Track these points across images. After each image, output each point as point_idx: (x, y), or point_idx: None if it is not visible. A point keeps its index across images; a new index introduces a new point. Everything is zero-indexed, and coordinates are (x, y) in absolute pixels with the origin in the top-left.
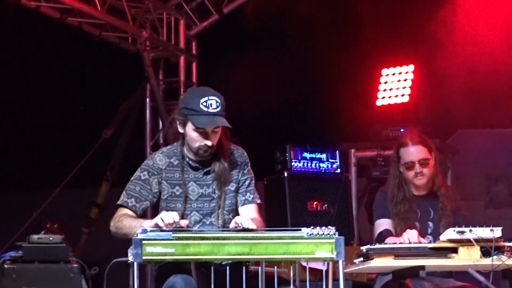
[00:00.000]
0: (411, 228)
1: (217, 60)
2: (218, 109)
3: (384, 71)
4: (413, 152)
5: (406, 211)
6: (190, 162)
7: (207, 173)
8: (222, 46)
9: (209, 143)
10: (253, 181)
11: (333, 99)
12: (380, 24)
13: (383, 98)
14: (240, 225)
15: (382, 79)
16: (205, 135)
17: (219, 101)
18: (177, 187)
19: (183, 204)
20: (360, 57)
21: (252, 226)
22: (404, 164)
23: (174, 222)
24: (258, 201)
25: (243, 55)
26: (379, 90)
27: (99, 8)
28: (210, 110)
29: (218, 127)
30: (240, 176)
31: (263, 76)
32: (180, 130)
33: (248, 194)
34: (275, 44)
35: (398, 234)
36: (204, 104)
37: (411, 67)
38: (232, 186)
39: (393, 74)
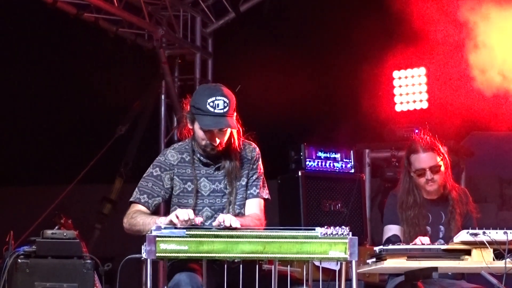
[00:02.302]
0: (421, 234)
1: (233, 58)
2: (226, 109)
3: (396, 74)
4: (424, 159)
5: (416, 216)
6: (201, 158)
7: (218, 169)
8: (238, 44)
9: (214, 142)
10: (262, 176)
11: (348, 99)
12: (392, 26)
13: (401, 103)
14: (222, 223)
15: (395, 82)
16: (211, 135)
17: (227, 101)
18: (189, 183)
19: (195, 200)
20: (373, 58)
21: (236, 224)
22: (415, 171)
23: (189, 219)
24: (265, 196)
25: (259, 53)
26: (395, 95)
27: (116, 4)
28: (216, 111)
29: (223, 128)
30: (249, 171)
31: (279, 75)
32: (189, 126)
33: (254, 188)
34: (291, 44)
35: (407, 240)
36: (211, 104)
37: (422, 70)
38: (243, 181)
39: (406, 77)
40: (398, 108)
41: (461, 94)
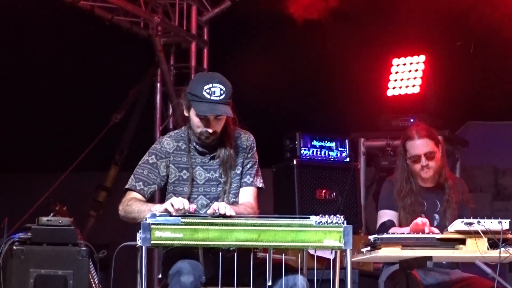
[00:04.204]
0: None
1: (229, 47)
2: (222, 96)
3: (395, 61)
4: (419, 145)
5: (412, 204)
6: (197, 146)
7: (213, 158)
8: (234, 32)
9: (210, 130)
10: (256, 165)
11: (343, 88)
12: (392, 13)
13: (394, 88)
14: (217, 211)
15: (393, 69)
16: (207, 122)
17: (224, 88)
18: (184, 171)
19: (190, 188)
20: (372, 46)
21: (231, 212)
22: (411, 157)
23: (184, 208)
24: (259, 185)
25: (254, 42)
26: (389, 80)
27: None
28: (212, 98)
29: (220, 115)
30: (244, 159)
31: (274, 63)
32: (185, 113)
33: (248, 177)
34: (286, 31)
35: (403, 226)
36: (208, 91)
37: (422, 58)
38: (238, 170)
39: (404, 64)
40: (389, 92)
41: (457, 83)
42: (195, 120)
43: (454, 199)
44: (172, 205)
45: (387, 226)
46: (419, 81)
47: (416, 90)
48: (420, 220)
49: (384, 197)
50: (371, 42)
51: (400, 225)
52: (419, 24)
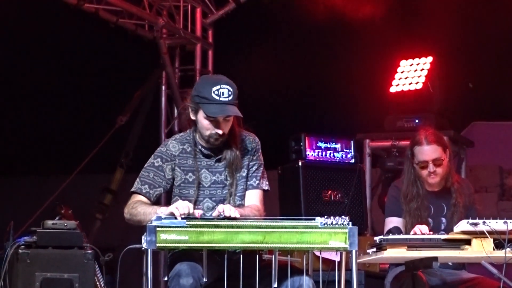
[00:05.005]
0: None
1: (233, 49)
2: (230, 98)
3: (403, 63)
4: (427, 151)
5: (418, 208)
6: (202, 149)
7: (219, 160)
8: (238, 34)
9: (220, 131)
10: (262, 167)
11: (348, 89)
12: (400, 15)
13: (397, 85)
14: (222, 213)
15: (399, 69)
16: (216, 123)
17: (231, 89)
18: (190, 174)
19: (196, 191)
20: (379, 49)
21: (236, 214)
22: (418, 163)
23: (189, 212)
24: (265, 188)
25: (259, 44)
26: (394, 79)
27: None
28: (221, 99)
29: (229, 116)
30: (249, 162)
31: (279, 65)
32: (192, 117)
33: (253, 179)
34: (291, 33)
35: (408, 231)
36: (216, 92)
37: (429, 59)
38: (243, 172)
39: (411, 65)
40: (392, 89)
41: (463, 83)
42: (204, 122)
43: (461, 203)
44: (177, 209)
45: (393, 234)
46: (422, 79)
47: (419, 86)
48: (418, 229)
49: (390, 204)
50: (379, 45)
51: (406, 231)
52: (428, 26)
